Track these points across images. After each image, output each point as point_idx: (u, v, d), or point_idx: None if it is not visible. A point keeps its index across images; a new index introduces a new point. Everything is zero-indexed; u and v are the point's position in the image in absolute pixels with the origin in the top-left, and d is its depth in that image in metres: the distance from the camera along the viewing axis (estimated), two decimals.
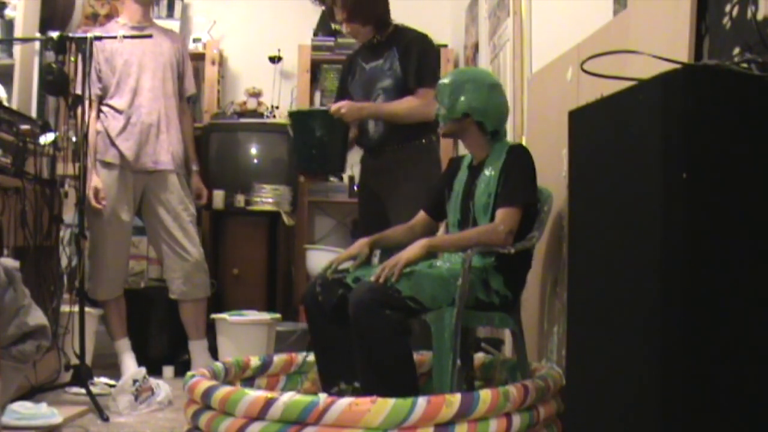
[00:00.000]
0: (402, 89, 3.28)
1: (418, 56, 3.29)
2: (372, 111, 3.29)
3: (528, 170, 2.66)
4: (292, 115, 3.53)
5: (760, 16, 1.71)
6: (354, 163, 5.02)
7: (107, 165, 3.84)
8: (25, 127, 3.23)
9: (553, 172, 2.80)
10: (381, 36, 3.39)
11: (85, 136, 3.38)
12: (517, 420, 2.32)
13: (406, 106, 3.23)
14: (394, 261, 2.52)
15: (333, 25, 5.09)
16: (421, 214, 2.93)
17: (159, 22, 4.24)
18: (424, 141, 3.31)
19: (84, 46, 3.33)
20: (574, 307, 1.86)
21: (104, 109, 3.85)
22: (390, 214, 3.22)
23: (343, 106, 3.20)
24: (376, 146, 3.37)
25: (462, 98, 2.69)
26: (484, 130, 2.71)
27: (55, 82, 3.30)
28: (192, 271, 3.92)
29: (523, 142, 3.33)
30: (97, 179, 3.76)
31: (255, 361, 2.98)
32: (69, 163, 3.48)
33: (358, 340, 2.47)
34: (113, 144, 3.83)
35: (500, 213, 2.58)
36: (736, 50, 1.77)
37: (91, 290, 3.79)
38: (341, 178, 5.13)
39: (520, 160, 2.65)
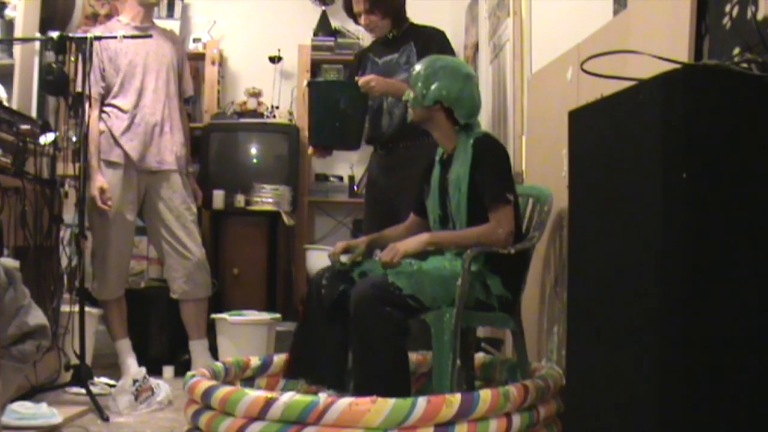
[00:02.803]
0: None
1: (438, 50, 3.28)
2: (399, 87, 3.25)
3: (501, 161, 2.63)
4: (317, 84, 3.46)
5: (760, 16, 1.71)
6: (354, 162, 5.06)
7: (112, 164, 3.83)
8: (25, 127, 3.23)
9: (553, 172, 2.80)
10: (397, 31, 3.39)
11: (86, 136, 3.38)
12: (517, 420, 2.32)
13: None
14: (390, 251, 2.52)
15: (333, 26, 5.10)
16: (412, 216, 2.93)
17: (159, 22, 4.24)
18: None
19: (84, 46, 3.33)
20: (574, 307, 1.86)
21: (107, 108, 3.84)
22: (400, 212, 3.20)
23: (372, 79, 3.18)
24: (388, 142, 3.36)
25: (435, 85, 2.65)
26: (453, 120, 2.68)
27: (55, 82, 3.30)
28: (194, 271, 3.92)
29: (523, 142, 3.33)
30: (102, 179, 3.74)
31: (255, 361, 2.98)
32: (69, 163, 3.47)
33: (357, 335, 2.46)
34: (117, 144, 3.83)
35: (494, 215, 2.56)
36: (736, 50, 1.77)
37: (96, 291, 3.79)
38: (341, 178, 5.13)
39: (489, 154, 2.61)
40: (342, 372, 2.57)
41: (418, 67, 2.72)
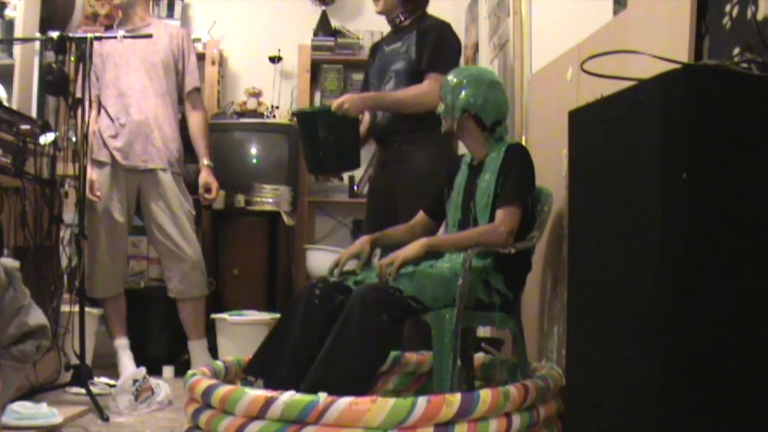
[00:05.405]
0: (413, 73, 3.22)
1: (435, 41, 3.23)
2: (377, 100, 3.21)
3: (526, 169, 2.66)
4: (297, 115, 3.46)
5: (760, 16, 1.71)
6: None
7: (99, 164, 3.86)
8: (25, 127, 3.23)
9: (553, 172, 2.80)
10: (406, 19, 3.36)
11: (85, 136, 3.39)
12: (517, 420, 2.32)
13: (412, 93, 3.15)
14: (389, 259, 2.52)
15: (333, 26, 5.09)
16: (421, 215, 2.92)
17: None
18: (433, 132, 3.26)
19: (84, 46, 3.33)
20: (574, 307, 1.86)
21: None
22: (398, 207, 3.18)
23: (345, 101, 3.10)
24: (384, 135, 3.33)
25: (462, 94, 2.69)
26: (482, 126, 2.71)
27: (55, 82, 3.30)
28: (189, 271, 3.93)
29: (523, 142, 3.33)
30: (92, 172, 3.76)
31: None
32: (69, 163, 3.48)
33: (340, 330, 2.42)
34: (105, 144, 3.85)
35: (500, 213, 2.58)
36: (736, 50, 1.77)
37: (88, 288, 3.79)
38: (342, 178, 5.12)
39: (517, 159, 2.65)
40: (299, 385, 2.42)
41: (448, 79, 2.75)
